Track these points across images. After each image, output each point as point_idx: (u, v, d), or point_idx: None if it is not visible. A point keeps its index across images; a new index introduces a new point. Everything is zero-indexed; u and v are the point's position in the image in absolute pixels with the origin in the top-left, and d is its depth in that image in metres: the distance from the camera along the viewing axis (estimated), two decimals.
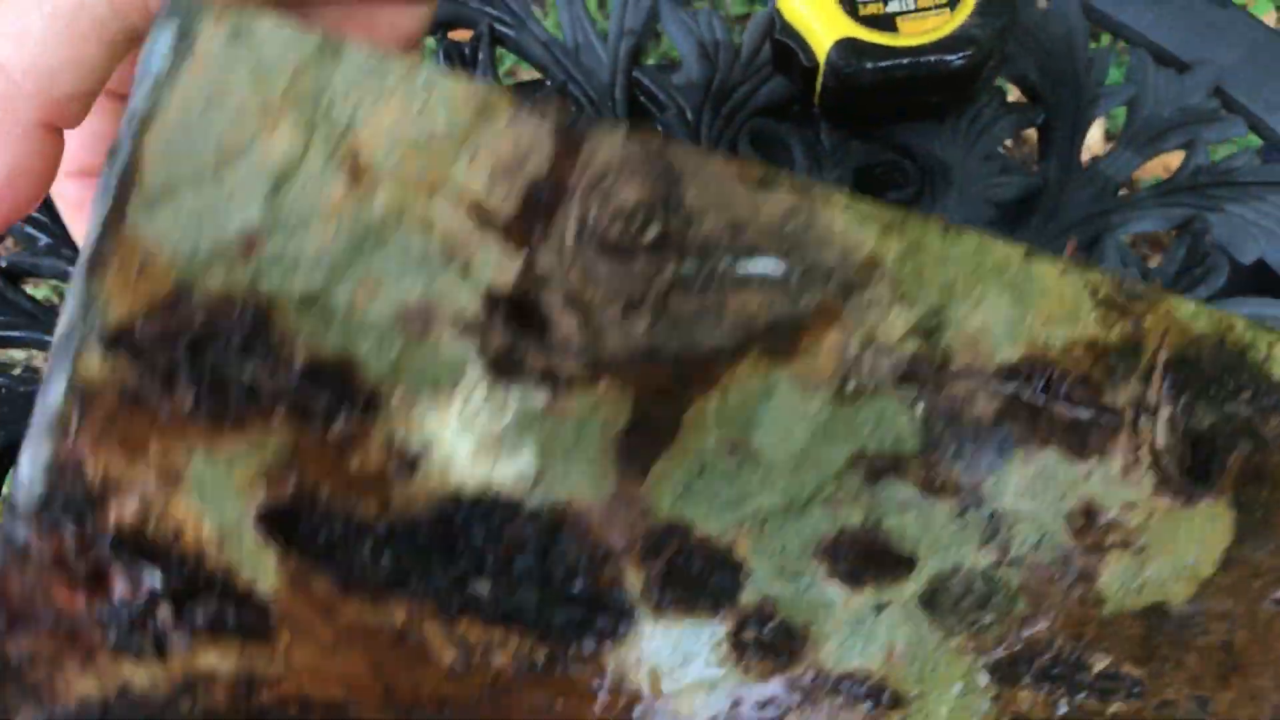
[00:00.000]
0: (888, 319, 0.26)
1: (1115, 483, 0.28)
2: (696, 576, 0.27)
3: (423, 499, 0.26)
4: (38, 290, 1.12)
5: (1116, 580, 0.29)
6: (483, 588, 0.27)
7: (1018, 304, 0.26)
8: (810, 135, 0.56)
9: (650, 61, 0.58)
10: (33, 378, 0.50)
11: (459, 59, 0.56)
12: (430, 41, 0.58)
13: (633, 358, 0.25)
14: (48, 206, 0.53)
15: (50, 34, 0.28)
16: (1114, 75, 1.16)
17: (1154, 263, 1.10)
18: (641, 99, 0.57)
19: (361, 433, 0.25)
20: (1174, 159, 0.59)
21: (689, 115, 0.56)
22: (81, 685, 0.27)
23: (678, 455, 0.26)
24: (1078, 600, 0.29)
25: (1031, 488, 0.28)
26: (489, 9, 0.57)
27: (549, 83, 0.56)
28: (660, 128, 0.56)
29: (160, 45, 0.23)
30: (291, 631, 0.27)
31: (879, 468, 0.27)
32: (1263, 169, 0.55)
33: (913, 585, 0.28)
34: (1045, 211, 0.55)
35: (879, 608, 0.28)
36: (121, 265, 0.23)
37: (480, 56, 0.56)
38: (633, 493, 0.26)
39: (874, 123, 0.56)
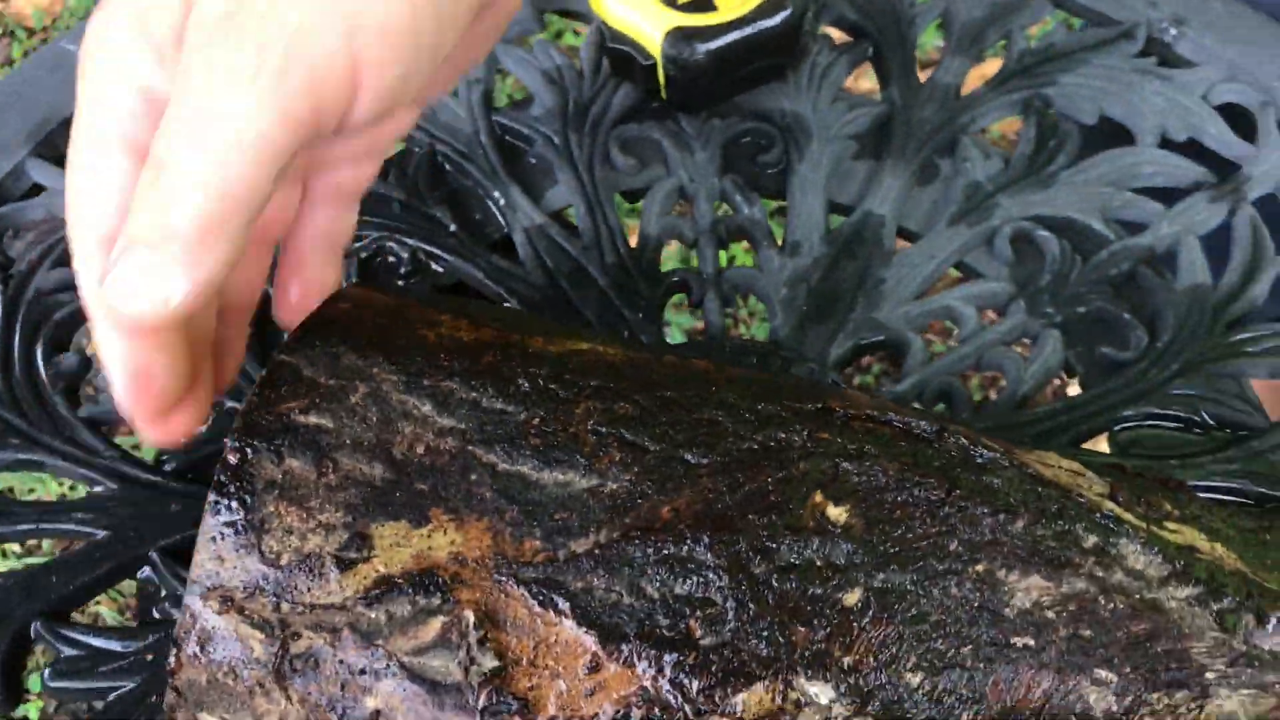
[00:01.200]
0: None
1: None
2: None
3: None
4: None
5: None
6: None
7: None
8: (672, 127, 0.59)
9: (503, 104, 0.61)
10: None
11: None
12: None
13: None
14: None
15: None
16: None
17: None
18: (508, 139, 0.59)
19: None
20: (991, 68, 0.63)
21: (556, 141, 0.58)
22: None
23: None
24: None
25: None
26: None
27: (416, 149, 0.58)
28: (534, 161, 0.58)
29: None
30: None
31: None
32: (1077, 35, 0.59)
33: None
34: (901, 133, 0.59)
35: None
36: None
37: None
38: None
39: (724, 98, 0.59)
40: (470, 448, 0.32)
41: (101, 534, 0.47)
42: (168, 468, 0.49)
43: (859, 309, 0.54)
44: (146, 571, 0.47)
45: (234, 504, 0.31)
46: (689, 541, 0.31)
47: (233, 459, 0.31)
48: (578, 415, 0.33)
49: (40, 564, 0.47)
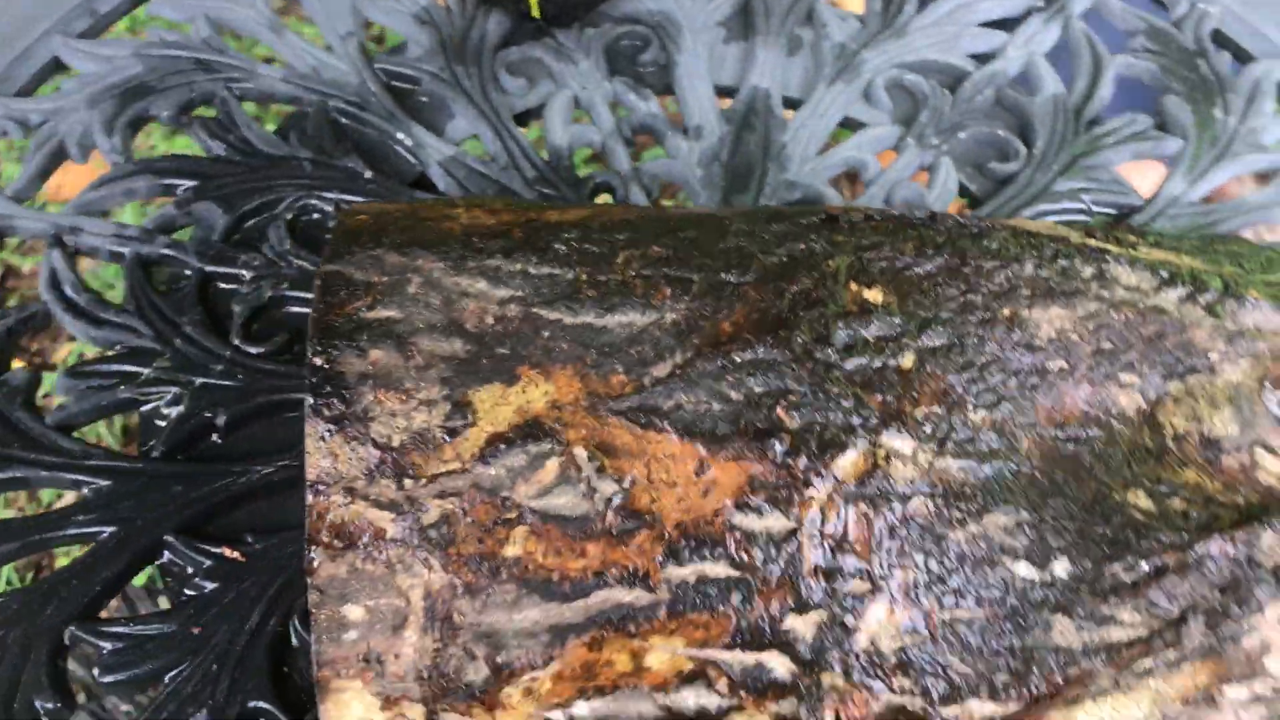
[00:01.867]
0: None
1: None
2: None
3: None
4: None
5: None
6: None
7: None
8: (552, 43, 0.61)
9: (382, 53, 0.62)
10: None
11: (217, 130, 0.58)
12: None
13: None
14: None
15: None
16: None
17: None
18: (394, 84, 0.60)
19: None
20: None
21: (444, 76, 0.59)
22: None
23: None
24: None
25: None
26: (217, 75, 0.59)
27: (309, 110, 0.58)
28: (426, 99, 0.59)
29: None
30: None
31: None
32: None
33: None
34: (761, 12, 0.63)
35: None
36: None
37: (236, 119, 0.58)
38: None
39: (592, 6, 0.62)
40: (534, 310, 0.34)
41: (109, 531, 0.47)
42: (155, 454, 0.49)
43: (771, 173, 0.57)
44: (166, 556, 0.47)
45: (334, 401, 0.32)
46: (754, 345, 0.34)
47: (320, 362, 0.32)
48: (619, 264, 0.35)
49: (57, 573, 0.46)
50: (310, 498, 0.31)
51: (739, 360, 0.34)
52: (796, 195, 0.57)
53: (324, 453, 0.32)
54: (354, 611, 0.32)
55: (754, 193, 0.57)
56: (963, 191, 0.59)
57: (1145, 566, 0.33)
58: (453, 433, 0.32)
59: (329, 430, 0.32)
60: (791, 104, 0.61)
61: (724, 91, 0.61)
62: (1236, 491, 0.34)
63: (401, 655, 0.32)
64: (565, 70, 0.60)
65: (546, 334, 0.34)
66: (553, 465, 0.32)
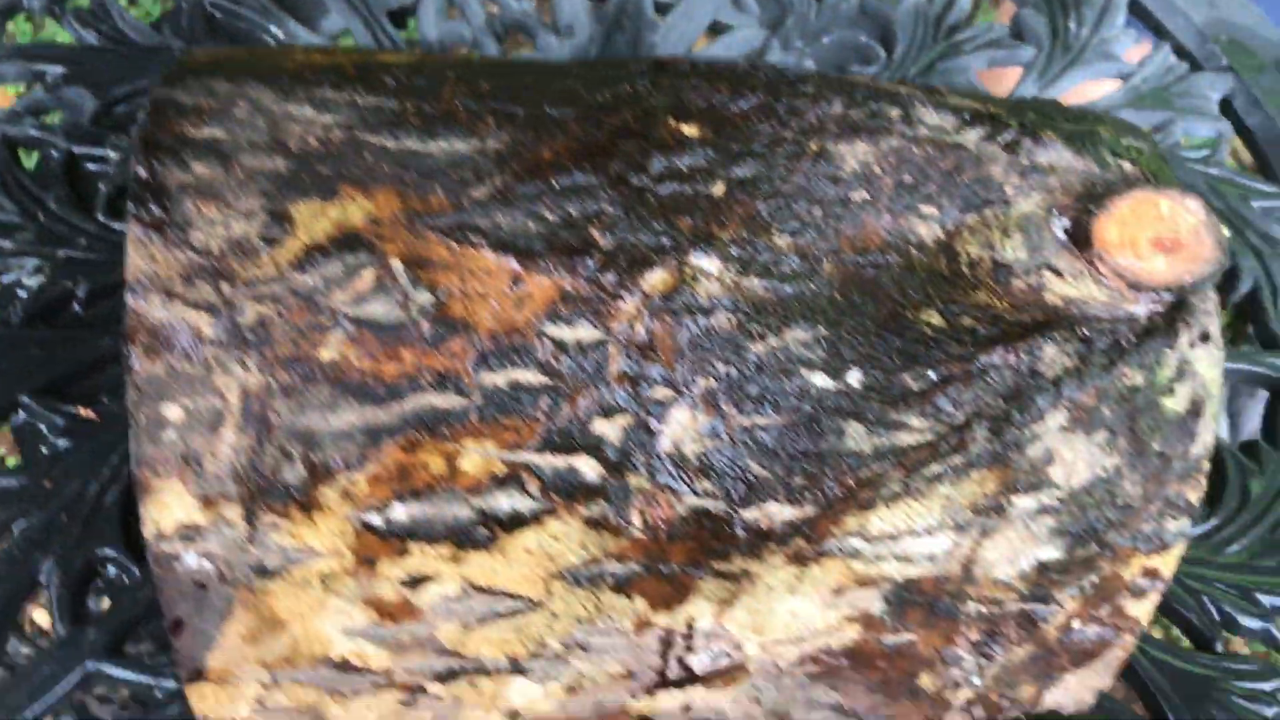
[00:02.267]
0: None
1: None
2: None
3: None
4: None
5: None
6: None
7: None
8: None
9: None
10: None
11: (89, 19, 0.58)
12: None
13: None
14: None
15: None
16: None
17: None
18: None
19: None
20: None
21: None
22: None
23: None
24: None
25: None
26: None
27: (184, 3, 0.59)
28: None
29: None
30: None
31: None
32: None
33: None
34: None
35: None
36: None
37: (109, 9, 0.58)
38: None
39: None
40: (358, 135, 0.35)
41: None
42: (15, 320, 0.49)
43: None
44: (21, 416, 0.47)
45: (154, 208, 0.33)
46: (572, 171, 0.36)
47: (143, 173, 0.33)
48: (446, 96, 0.37)
49: None
50: (129, 299, 0.32)
51: (556, 185, 0.35)
52: None
53: (144, 256, 0.33)
54: (172, 411, 0.33)
55: None
56: None
57: (933, 375, 0.35)
58: (270, 242, 0.33)
59: (148, 236, 0.33)
60: (662, 9, 0.63)
61: None
62: (1023, 311, 0.36)
63: (219, 454, 0.33)
64: None
65: (369, 157, 0.35)
66: (369, 275, 0.34)
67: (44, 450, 0.47)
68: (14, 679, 0.42)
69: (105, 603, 0.45)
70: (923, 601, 0.39)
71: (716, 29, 0.62)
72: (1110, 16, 0.64)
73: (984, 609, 0.39)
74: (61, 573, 0.44)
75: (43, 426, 0.47)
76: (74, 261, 0.51)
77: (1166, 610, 0.48)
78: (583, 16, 0.60)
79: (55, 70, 0.56)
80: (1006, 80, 0.64)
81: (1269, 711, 0.46)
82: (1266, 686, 0.46)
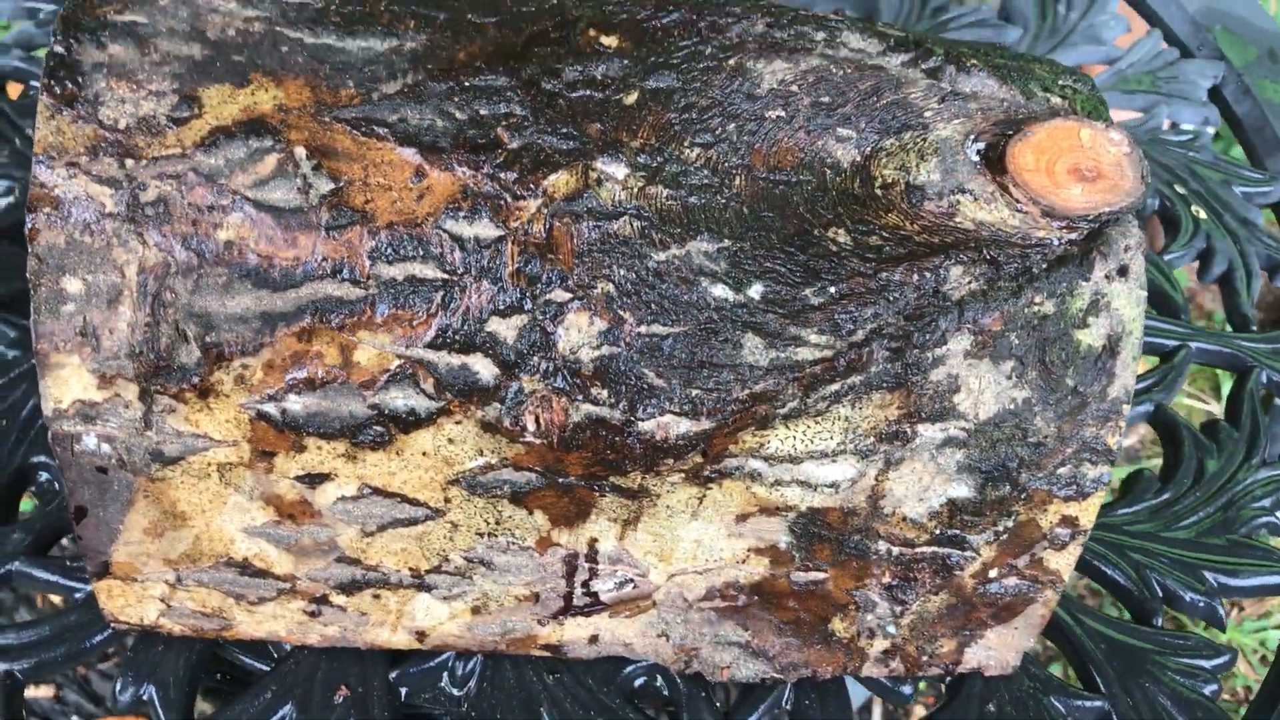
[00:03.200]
0: None
1: None
2: None
3: None
4: None
5: None
6: None
7: None
8: None
9: None
10: None
11: None
12: None
13: None
14: None
15: None
16: None
17: None
18: None
19: None
20: None
21: None
22: None
23: None
24: None
25: None
26: None
27: None
28: None
29: None
30: None
31: None
32: None
33: None
34: None
35: None
36: None
37: None
38: None
39: None
40: (277, 28, 0.36)
41: None
42: None
43: None
44: None
45: (66, 83, 0.34)
46: (485, 73, 0.36)
47: (59, 49, 0.34)
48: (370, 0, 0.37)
49: None
50: (34, 169, 0.33)
51: (467, 85, 0.36)
52: None
53: (52, 129, 0.33)
54: (72, 284, 0.33)
55: None
56: None
57: (833, 290, 0.35)
58: (177, 122, 0.34)
59: (58, 108, 0.33)
60: None
61: None
62: (933, 232, 0.35)
63: (116, 330, 0.34)
64: None
65: (285, 49, 0.35)
66: (271, 160, 0.34)
67: None
68: None
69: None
70: (831, 536, 0.38)
71: None
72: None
73: (895, 549, 0.38)
74: None
75: None
76: None
77: (1105, 581, 0.47)
78: None
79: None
80: None
81: (1208, 689, 0.44)
82: (1206, 664, 0.45)
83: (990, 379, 0.36)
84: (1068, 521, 0.38)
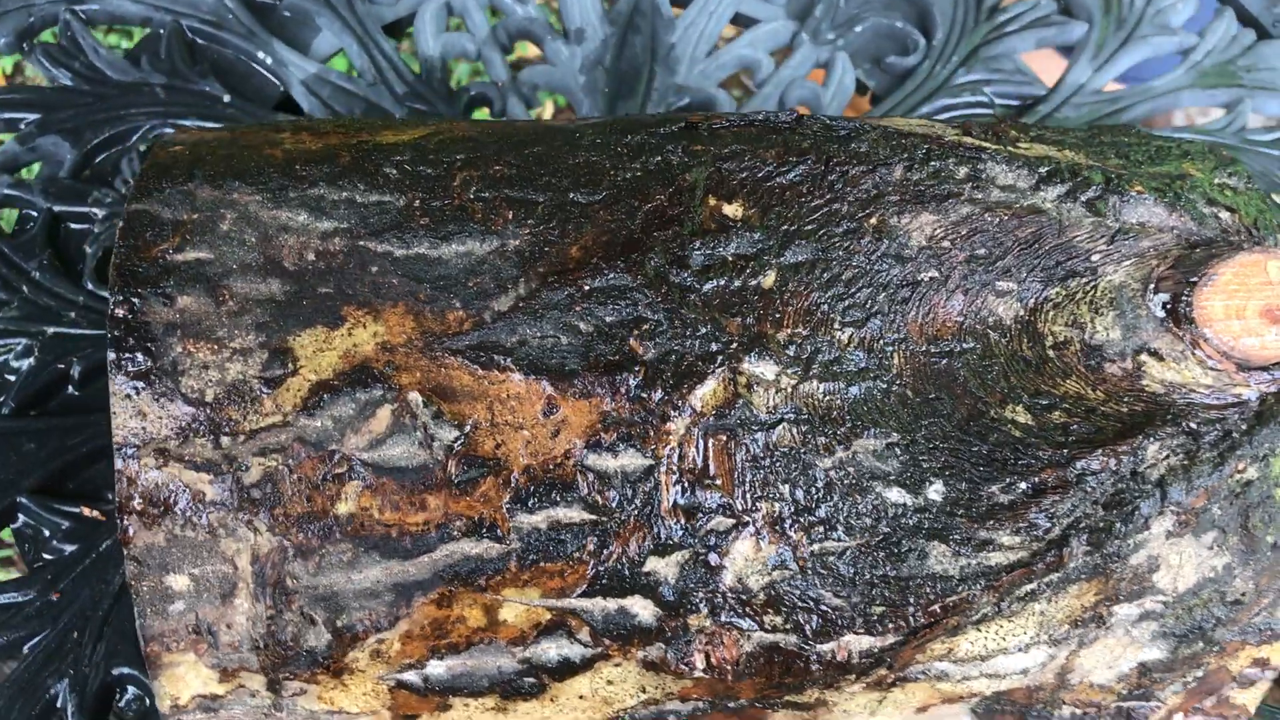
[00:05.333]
0: None
1: None
2: None
3: None
4: None
5: None
6: None
7: None
8: None
9: None
10: None
11: (60, 57, 0.53)
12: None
13: None
14: None
15: None
16: None
17: None
18: None
19: None
20: None
21: None
22: None
23: None
24: None
25: None
26: (61, 3, 0.55)
27: (162, 30, 0.54)
28: (289, 14, 0.56)
29: None
30: None
31: None
32: None
33: None
34: None
35: None
36: None
37: (81, 43, 0.53)
38: None
39: None
40: (361, 243, 0.31)
41: None
42: (4, 411, 0.46)
43: (659, 77, 0.54)
44: (21, 520, 0.44)
45: (139, 355, 0.29)
46: (605, 272, 0.31)
47: (121, 312, 0.29)
48: (456, 188, 0.33)
49: None
50: (119, 463, 0.29)
51: (588, 288, 0.31)
52: (685, 101, 0.54)
53: (131, 412, 0.29)
54: (178, 581, 0.29)
55: (640, 99, 0.53)
56: (860, 88, 0.56)
57: (1023, 486, 0.31)
58: (272, 383, 0.30)
59: (135, 388, 0.29)
60: (680, 2, 0.57)
61: None
62: (1120, 401, 0.32)
63: (234, 624, 0.30)
64: None
65: (375, 269, 0.31)
66: (384, 413, 0.30)
67: (47, 556, 0.43)
68: None
69: None
70: (1014, 710, 0.35)
71: (740, 22, 0.57)
72: None
73: (1079, 711, 0.36)
74: (78, 696, 0.41)
75: (45, 530, 0.43)
76: (64, 337, 0.47)
77: None
78: (594, 18, 0.55)
79: (29, 118, 0.52)
80: (1064, 60, 0.59)
81: None
82: None
83: (1191, 553, 0.33)
84: (1258, 663, 0.36)
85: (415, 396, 0.30)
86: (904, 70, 0.55)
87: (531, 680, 0.32)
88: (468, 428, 0.30)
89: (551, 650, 0.31)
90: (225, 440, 0.29)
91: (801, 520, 0.31)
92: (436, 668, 0.31)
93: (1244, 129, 0.55)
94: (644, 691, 0.32)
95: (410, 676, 0.31)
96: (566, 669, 0.32)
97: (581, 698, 0.32)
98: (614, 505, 0.30)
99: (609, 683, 0.32)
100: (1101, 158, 0.35)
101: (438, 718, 0.32)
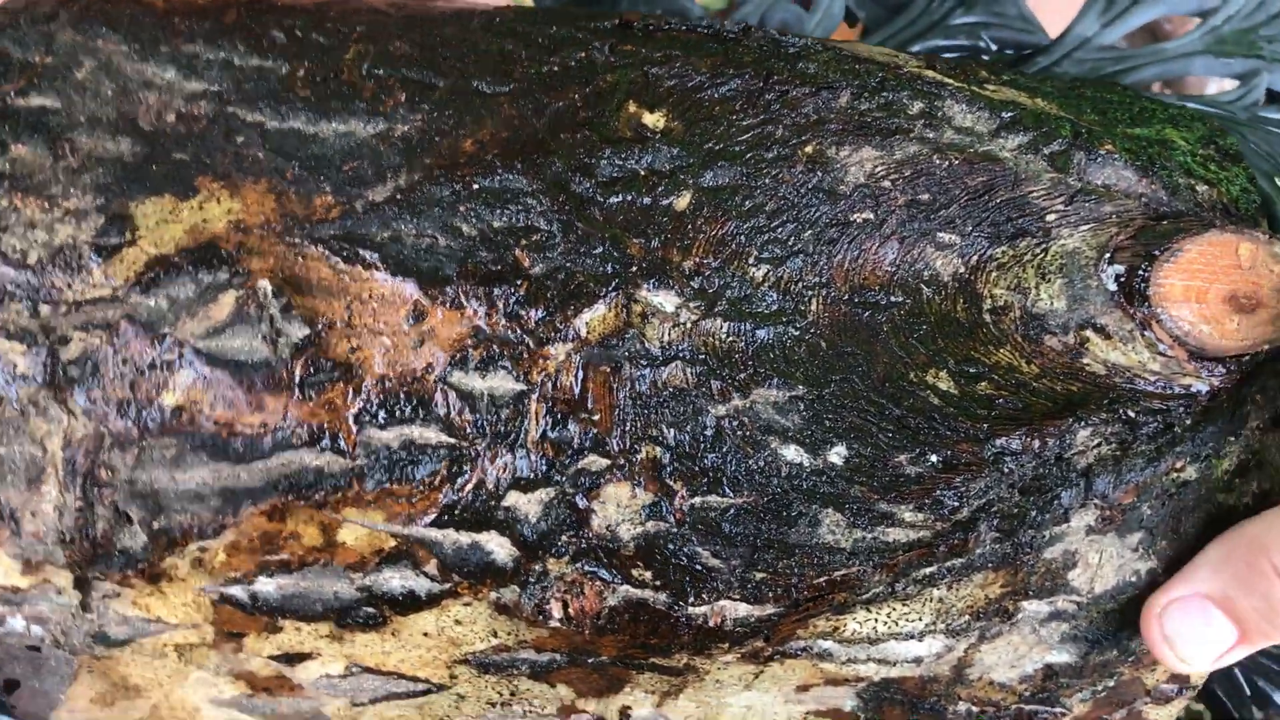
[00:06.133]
0: None
1: None
2: None
3: None
4: None
5: None
6: None
7: None
8: None
9: None
10: None
11: None
12: None
13: None
14: None
15: None
16: None
17: None
18: None
19: None
20: None
21: None
22: None
23: None
24: None
25: None
26: None
27: None
28: None
29: None
30: None
31: None
32: None
33: None
34: None
35: None
36: None
37: None
38: None
39: None
40: (230, 109, 0.28)
41: None
42: None
43: None
44: None
45: None
46: (500, 171, 0.28)
47: None
48: (348, 60, 0.29)
49: None
50: None
51: (478, 187, 0.28)
52: (659, 10, 0.50)
53: None
54: None
55: (609, 2, 0.50)
56: (850, 18, 0.52)
57: (934, 458, 0.28)
58: (104, 251, 0.26)
59: None
60: None
61: None
62: (1055, 378, 0.28)
63: (39, 513, 0.27)
64: None
65: (241, 139, 0.28)
66: (228, 299, 0.27)
67: None
68: None
69: None
70: (904, 701, 0.32)
71: None
72: None
73: (976, 709, 0.33)
74: None
75: None
76: None
77: None
78: None
79: None
80: (1071, 11, 0.55)
81: None
82: None
83: (1113, 552, 0.30)
84: (1177, 679, 0.33)
85: (265, 285, 0.27)
86: (897, 3, 0.51)
87: (371, 610, 0.29)
88: (320, 326, 0.27)
89: (395, 580, 0.28)
90: (45, 309, 0.26)
91: (683, 468, 0.28)
92: (265, 585, 0.28)
93: (1257, 103, 0.51)
94: (495, 636, 0.30)
95: (236, 591, 0.28)
96: (410, 603, 0.29)
97: (426, 635, 0.29)
98: (475, 430, 0.27)
99: (457, 623, 0.29)
100: (1076, 111, 0.31)
101: (266, 639, 0.29)
